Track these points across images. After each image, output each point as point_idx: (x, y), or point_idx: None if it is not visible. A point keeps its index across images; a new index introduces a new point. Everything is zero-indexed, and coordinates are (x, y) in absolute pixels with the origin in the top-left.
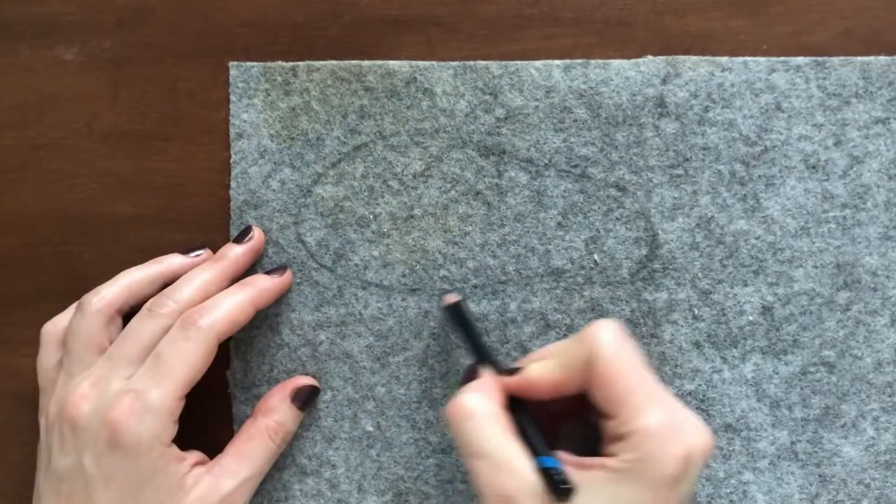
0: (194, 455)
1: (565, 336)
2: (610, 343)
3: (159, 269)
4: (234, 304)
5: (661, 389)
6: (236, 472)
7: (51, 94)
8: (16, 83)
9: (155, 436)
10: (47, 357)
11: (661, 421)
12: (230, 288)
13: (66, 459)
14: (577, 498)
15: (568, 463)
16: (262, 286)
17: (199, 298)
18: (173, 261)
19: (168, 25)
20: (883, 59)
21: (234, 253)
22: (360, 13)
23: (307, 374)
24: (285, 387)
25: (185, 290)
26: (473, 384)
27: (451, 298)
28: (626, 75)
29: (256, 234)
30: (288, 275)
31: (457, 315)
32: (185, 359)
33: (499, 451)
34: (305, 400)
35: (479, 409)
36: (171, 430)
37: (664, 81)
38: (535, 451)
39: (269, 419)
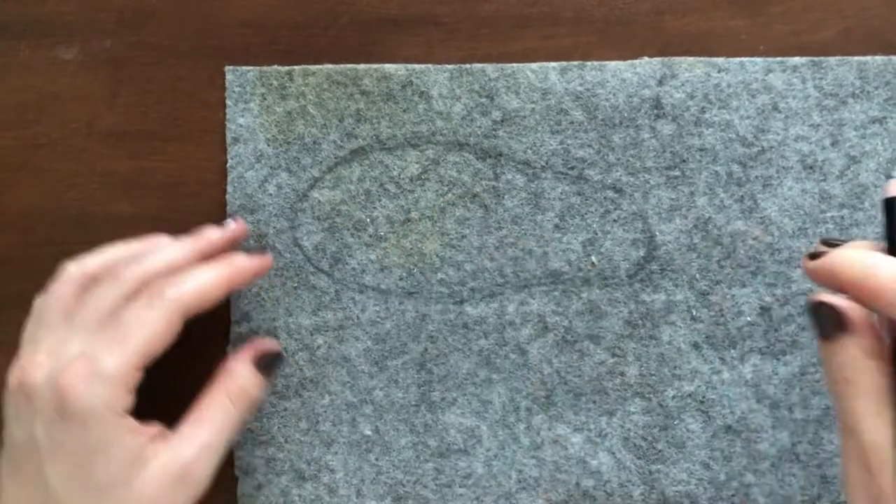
0: (153, 427)
1: (563, 338)
2: None
3: (142, 247)
4: (206, 280)
5: None
6: (195, 437)
7: (51, 94)
8: (16, 83)
9: (106, 403)
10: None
11: None
12: (204, 264)
13: (20, 430)
14: None
15: None
16: (238, 265)
17: (165, 269)
18: (158, 242)
19: (168, 25)
20: (879, 58)
21: (211, 232)
22: (359, 13)
23: (305, 378)
24: (250, 350)
25: (151, 259)
26: (859, 335)
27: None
28: (623, 77)
29: (237, 225)
30: (268, 258)
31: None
32: (146, 327)
33: (869, 434)
34: (269, 366)
35: (861, 377)
36: (125, 399)
37: (660, 83)
38: None
39: (230, 382)
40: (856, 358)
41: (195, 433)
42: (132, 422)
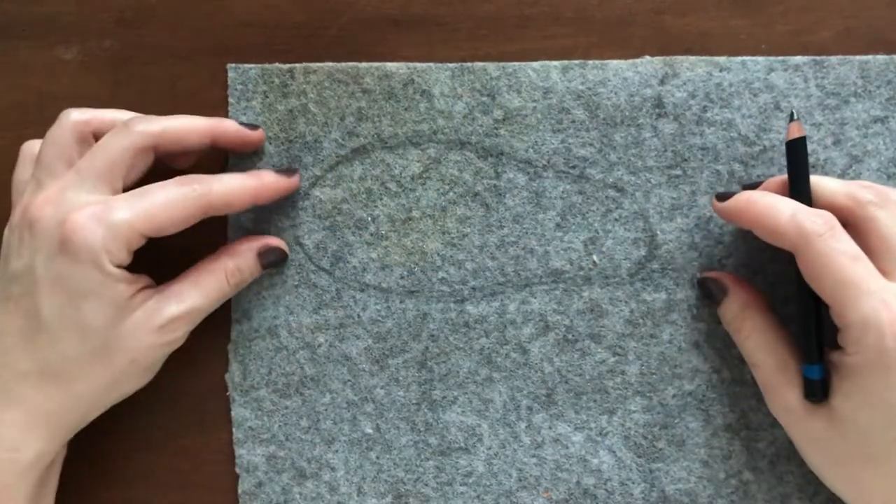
0: (144, 279)
1: (564, 338)
2: None
3: (151, 116)
4: (235, 185)
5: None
6: (185, 298)
7: (50, 94)
8: (15, 83)
9: (105, 249)
10: (23, 171)
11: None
12: (236, 173)
13: (20, 261)
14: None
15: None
16: (266, 180)
17: (180, 128)
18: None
19: (168, 25)
20: (881, 57)
21: (228, 122)
22: (360, 13)
23: (306, 377)
24: (257, 240)
25: (165, 119)
26: (735, 293)
27: (797, 132)
28: (624, 76)
29: (255, 131)
30: (296, 179)
31: (795, 151)
32: (172, 202)
33: (762, 364)
34: (271, 260)
35: (744, 323)
36: (124, 254)
37: (662, 82)
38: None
39: (231, 261)
40: (738, 310)
41: (187, 295)
42: (126, 273)
